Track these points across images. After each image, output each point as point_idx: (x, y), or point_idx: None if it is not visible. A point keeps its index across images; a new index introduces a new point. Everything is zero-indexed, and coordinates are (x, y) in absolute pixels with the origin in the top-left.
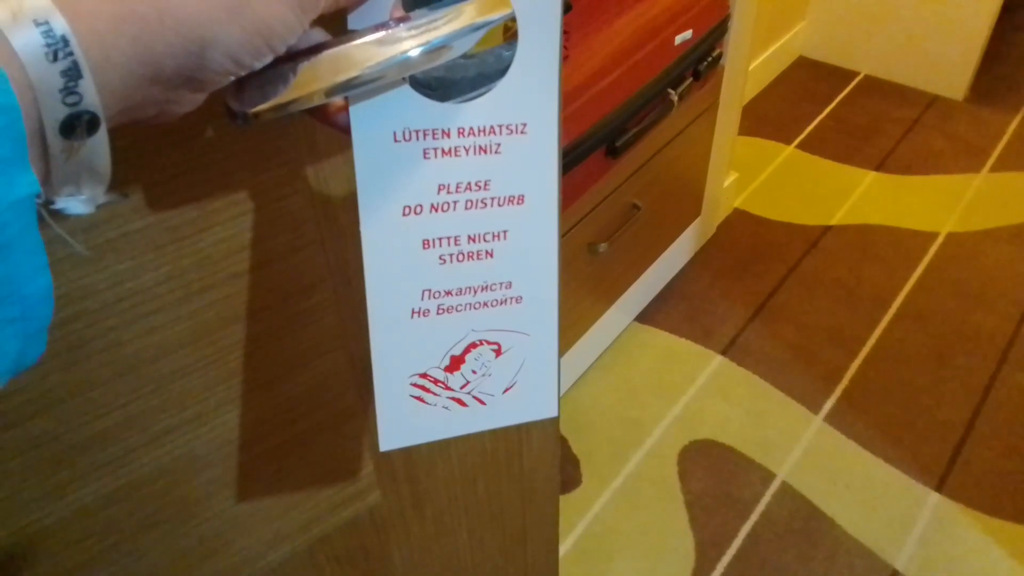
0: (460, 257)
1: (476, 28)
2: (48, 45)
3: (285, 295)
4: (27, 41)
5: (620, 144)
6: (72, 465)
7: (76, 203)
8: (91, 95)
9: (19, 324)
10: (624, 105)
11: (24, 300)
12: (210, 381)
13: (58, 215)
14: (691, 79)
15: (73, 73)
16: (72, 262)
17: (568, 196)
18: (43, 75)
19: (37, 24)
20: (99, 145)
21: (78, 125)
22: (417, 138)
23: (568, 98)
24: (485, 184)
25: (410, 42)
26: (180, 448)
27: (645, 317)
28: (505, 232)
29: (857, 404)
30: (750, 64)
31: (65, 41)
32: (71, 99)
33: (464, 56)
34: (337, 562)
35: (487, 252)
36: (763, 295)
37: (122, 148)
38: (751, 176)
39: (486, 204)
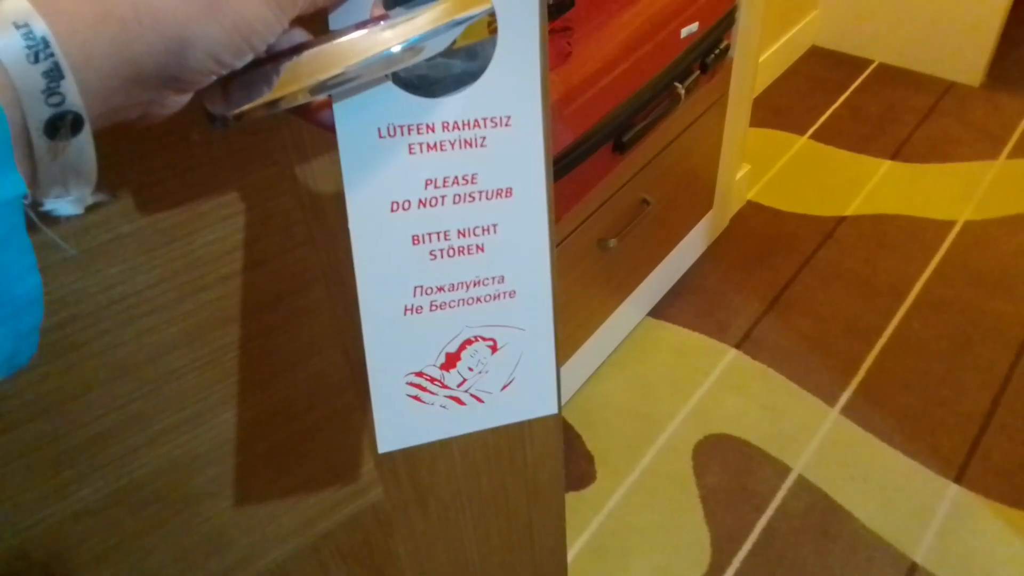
0: (451, 252)
1: (456, 23)
2: (29, 47)
3: (278, 295)
4: (8, 44)
5: (627, 139)
6: (73, 466)
7: (64, 204)
8: (73, 95)
9: (10, 324)
10: (630, 100)
11: (14, 300)
12: (206, 381)
13: (48, 217)
14: (698, 72)
15: (55, 74)
16: (65, 267)
17: (576, 192)
18: (25, 77)
19: (17, 27)
20: (84, 145)
21: (62, 125)
22: (402, 133)
23: (572, 94)
24: (472, 178)
25: (391, 38)
26: (179, 448)
27: (658, 312)
28: (495, 226)
29: (874, 396)
30: (761, 55)
31: (45, 43)
32: (54, 99)
33: (447, 54)
34: (342, 558)
35: (477, 246)
36: (778, 287)
37: (110, 152)
38: (764, 168)
39: (474, 198)
